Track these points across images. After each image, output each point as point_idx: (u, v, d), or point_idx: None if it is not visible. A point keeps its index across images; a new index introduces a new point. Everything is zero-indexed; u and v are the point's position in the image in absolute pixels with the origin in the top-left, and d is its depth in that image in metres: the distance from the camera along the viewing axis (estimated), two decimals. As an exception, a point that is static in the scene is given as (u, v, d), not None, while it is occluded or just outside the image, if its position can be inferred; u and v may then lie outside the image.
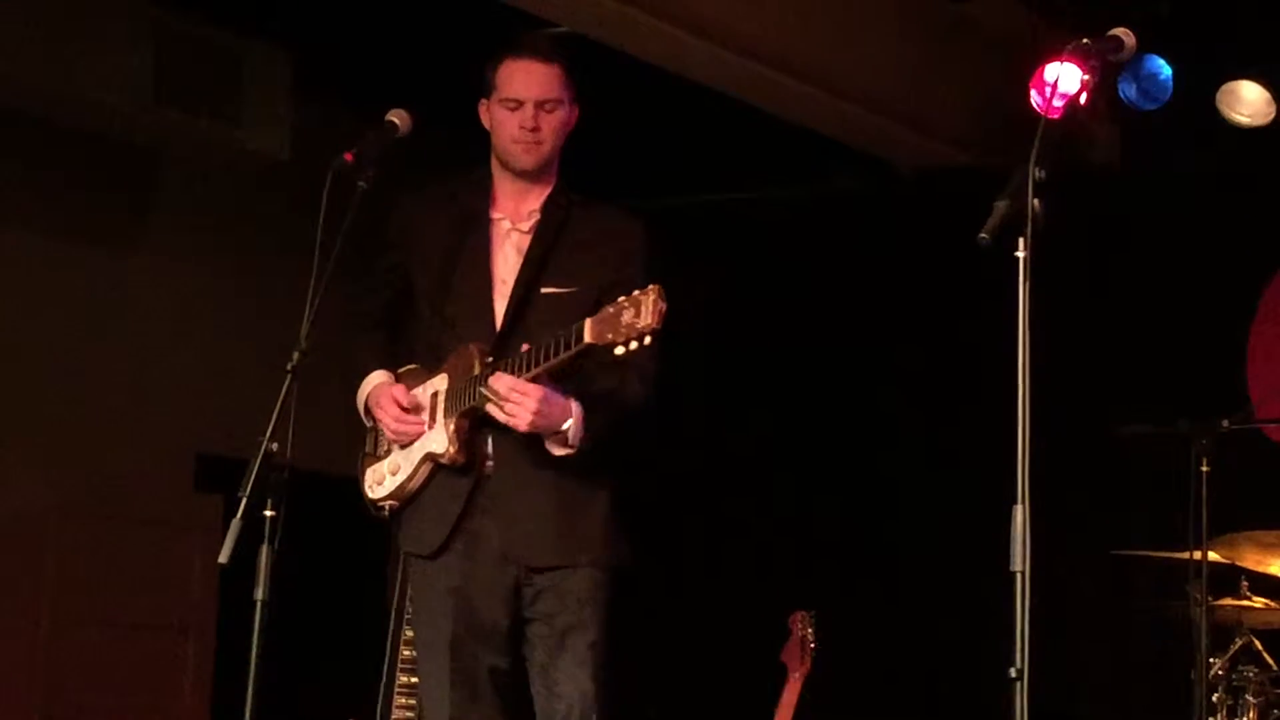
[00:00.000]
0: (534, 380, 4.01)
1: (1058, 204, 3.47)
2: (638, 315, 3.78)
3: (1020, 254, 3.43)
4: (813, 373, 7.98)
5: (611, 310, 3.84)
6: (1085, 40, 3.74)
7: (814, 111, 7.20)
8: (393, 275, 4.42)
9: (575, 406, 4.07)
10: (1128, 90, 6.76)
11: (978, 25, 7.29)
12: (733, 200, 8.16)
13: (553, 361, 3.96)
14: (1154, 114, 6.81)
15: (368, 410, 4.37)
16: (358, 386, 4.40)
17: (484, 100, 4.31)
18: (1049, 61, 6.46)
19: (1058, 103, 3.92)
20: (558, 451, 4.10)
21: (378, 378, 4.35)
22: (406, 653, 5.39)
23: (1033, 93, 6.58)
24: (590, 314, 3.90)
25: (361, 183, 3.97)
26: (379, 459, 4.39)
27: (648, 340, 3.79)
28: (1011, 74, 6.74)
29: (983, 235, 3.41)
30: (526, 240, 4.28)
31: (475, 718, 4.21)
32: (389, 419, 4.28)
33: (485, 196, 4.34)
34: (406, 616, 5.42)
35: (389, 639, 5.18)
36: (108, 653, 7.13)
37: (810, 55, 6.87)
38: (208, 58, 6.94)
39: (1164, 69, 6.75)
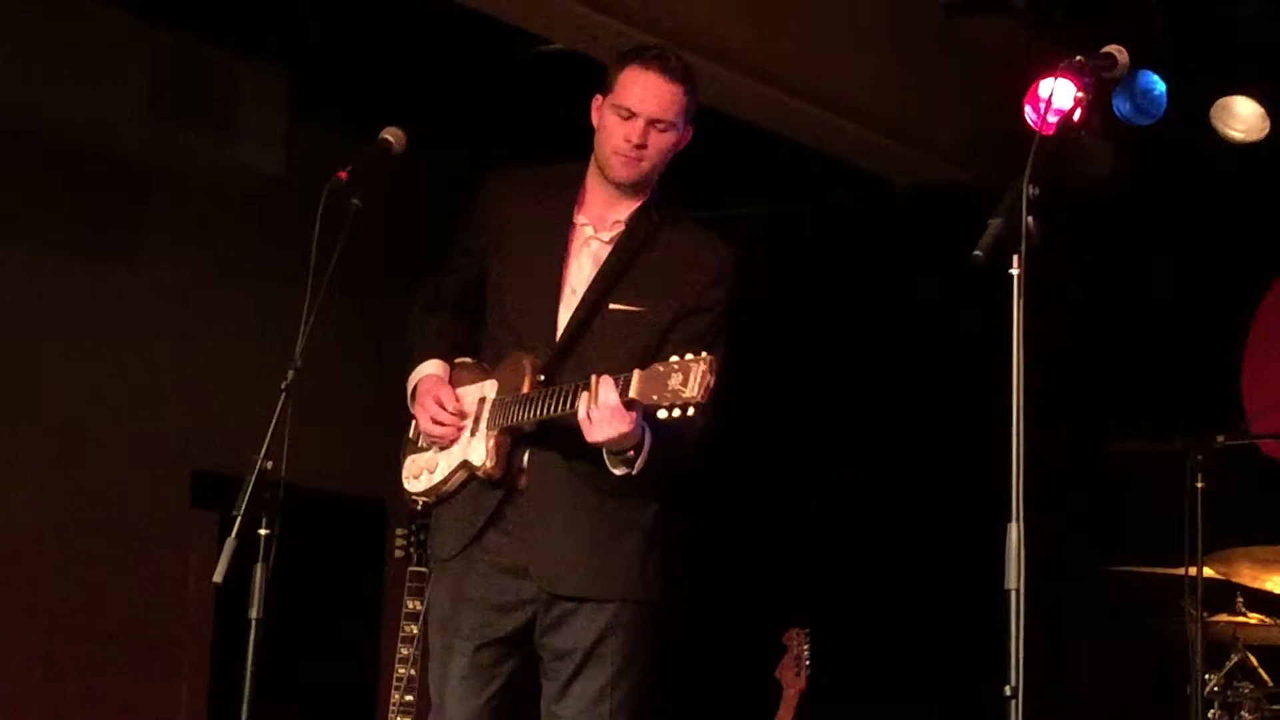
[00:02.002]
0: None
1: (1052, 220, 3.47)
2: (684, 384, 3.70)
3: (1014, 271, 3.43)
4: (806, 390, 7.98)
5: (662, 369, 3.75)
6: (1079, 57, 3.74)
7: (808, 128, 7.20)
8: (471, 259, 4.30)
9: (648, 436, 3.93)
10: (1122, 106, 6.76)
11: (972, 42, 7.29)
12: (727, 217, 8.15)
13: (627, 398, 3.84)
14: (1148, 130, 6.81)
15: (413, 394, 4.25)
16: (409, 365, 4.29)
17: (599, 95, 4.16)
18: (1043, 78, 6.47)
19: (1052, 119, 3.91)
20: (618, 472, 3.98)
21: (429, 368, 4.24)
22: (400, 671, 5.39)
23: (1027, 109, 6.58)
24: (655, 338, 3.86)
25: (355, 201, 3.96)
26: (420, 450, 4.28)
27: (691, 412, 3.70)
28: (1006, 90, 6.75)
29: (976, 253, 3.41)
30: (605, 250, 4.15)
31: None
32: (425, 417, 4.17)
33: (574, 197, 4.20)
34: (402, 635, 5.42)
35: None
36: (103, 669, 7.14)
37: (804, 71, 6.87)
38: (204, 75, 6.96)
39: (1158, 85, 6.75)
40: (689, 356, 3.72)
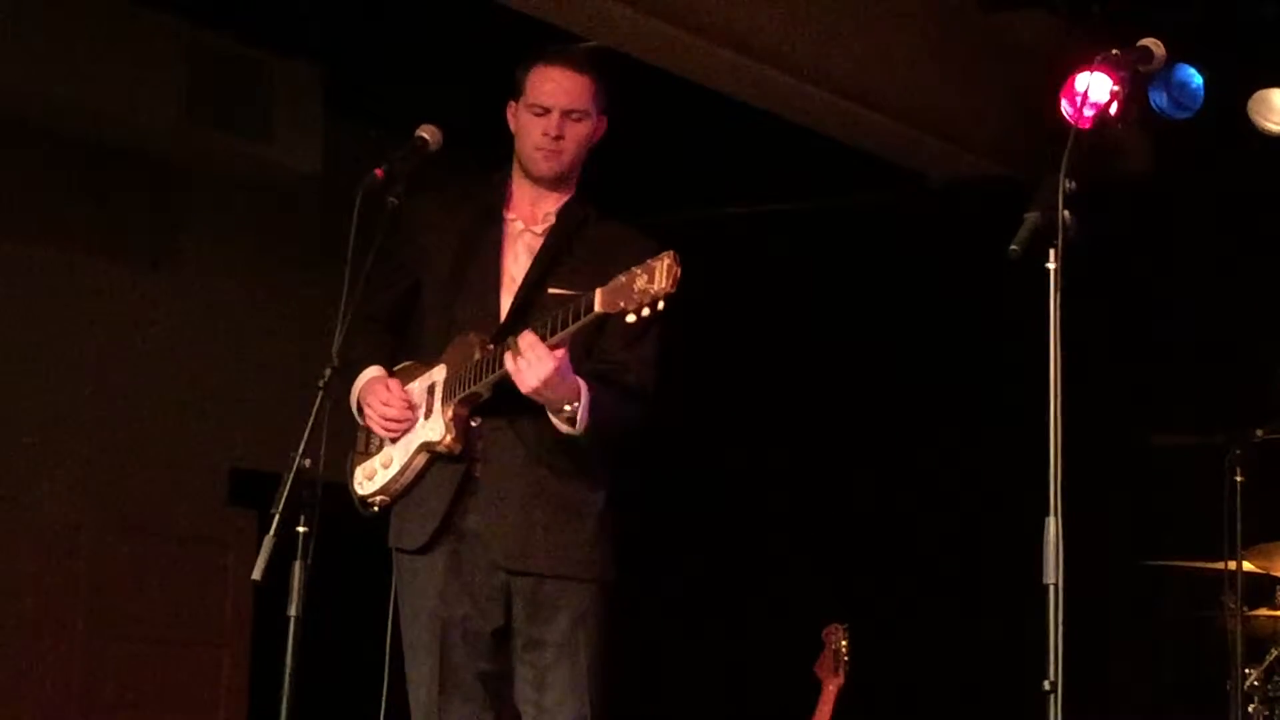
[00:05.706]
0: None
1: (1088, 214, 3.47)
2: (651, 281, 3.75)
3: (1051, 265, 3.43)
4: (844, 385, 7.97)
5: (624, 279, 3.80)
6: (1115, 50, 3.74)
7: (844, 123, 7.19)
8: (400, 273, 4.34)
9: (585, 389, 3.99)
10: (1159, 99, 6.74)
11: (1008, 36, 7.28)
12: (763, 212, 8.16)
13: (563, 333, 3.91)
14: (1185, 123, 6.79)
15: (359, 407, 4.29)
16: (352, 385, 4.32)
17: (512, 102, 4.28)
18: (1079, 71, 6.45)
19: (1088, 113, 3.91)
20: (563, 429, 4.03)
21: (371, 373, 4.28)
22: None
23: (1063, 103, 6.56)
24: (595, 322, 3.88)
25: (392, 198, 3.98)
26: (369, 456, 4.30)
27: (660, 306, 3.76)
28: (1042, 84, 6.73)
29: (1013, 247, 3.41)
30: (539, 242, 4.25)
31: None
32: (376, 405, 4.20)
33: (501, 198, 4.31)
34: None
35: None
36: (143, 669, 7.16)
37: (840, 66, 6.86)
38: (239, 75, 6.98)
39: (1195, 77, 6.73)
40: (650, 260, 3.78)
